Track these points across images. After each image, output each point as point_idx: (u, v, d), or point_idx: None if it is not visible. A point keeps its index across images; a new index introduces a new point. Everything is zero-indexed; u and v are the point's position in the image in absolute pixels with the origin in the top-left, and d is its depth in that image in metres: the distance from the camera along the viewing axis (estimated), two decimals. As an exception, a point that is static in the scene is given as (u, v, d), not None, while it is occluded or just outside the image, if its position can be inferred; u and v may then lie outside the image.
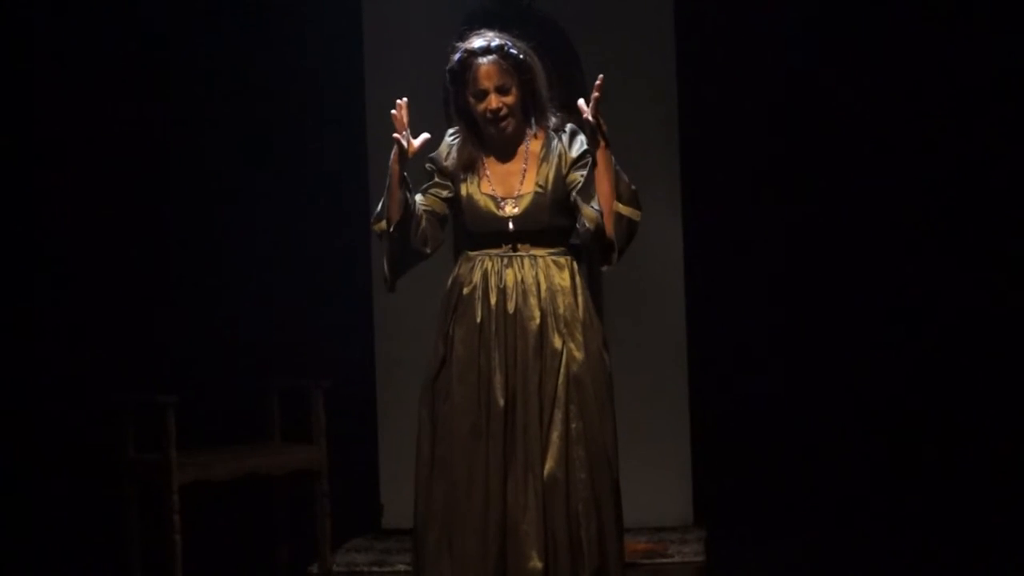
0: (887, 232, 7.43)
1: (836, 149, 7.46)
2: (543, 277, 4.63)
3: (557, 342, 4.60)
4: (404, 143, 4.54)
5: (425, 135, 4.62)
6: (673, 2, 7.44)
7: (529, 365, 4.58)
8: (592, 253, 4.63)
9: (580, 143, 4.64)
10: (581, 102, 4.53)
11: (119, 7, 7.42)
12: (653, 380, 7.39)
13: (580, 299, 4.65)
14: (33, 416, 7.27)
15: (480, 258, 4.67)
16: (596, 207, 4.54)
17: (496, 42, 4.60)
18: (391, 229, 4.60)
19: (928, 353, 7.36)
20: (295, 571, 6.76)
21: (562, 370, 4.58)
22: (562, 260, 4.67)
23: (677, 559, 6.78)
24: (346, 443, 7.16)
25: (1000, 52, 7.28)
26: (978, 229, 7.36)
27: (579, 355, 4.60)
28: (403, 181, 4.58)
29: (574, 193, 4.59)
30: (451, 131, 4.75)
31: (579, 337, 4.61)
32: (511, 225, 4.64)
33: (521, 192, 4.64)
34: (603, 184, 4.55)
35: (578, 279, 4.67)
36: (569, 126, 4.68)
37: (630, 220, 4.59)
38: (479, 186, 4.67)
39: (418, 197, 4.68)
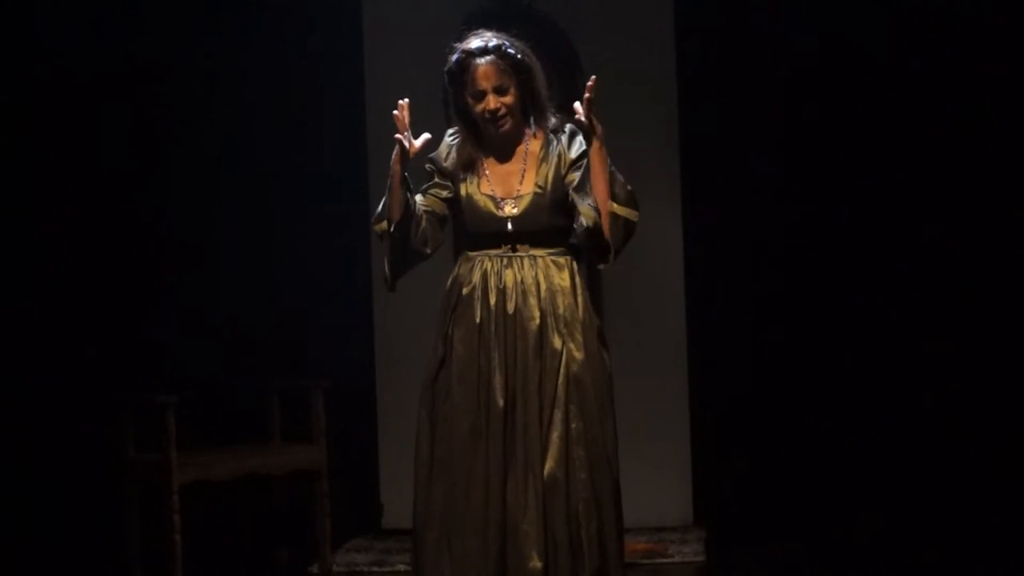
0: (888, 232, 7.43)
1: (836, 149, 7.45)
2: (543, 277, 4.63)
3: (557, 342, 4.59)
4: (405, 144, 4.54)
5: (426, 135, 4.62)
6: (673, 2, 7.44)
7: (529, 365, 4.58)
8: (589, 252, 4.63)
9: (579, 144, 4.64)
10: (577, 104, 4.53)
11: (119, 7, 7.42)
12: (653, 380, 7.39)
13: (580, 299, 4.65)
14: (33, 416, 7.27)
15: (480, 258, 4.67)
16: (593, 205, 4.54)
17: (494, 42, 4.60)
18: (392, 229, 4.60)
19: (928, 353, 7.35)
20: (295, 571, 6.76)
21: (562, 370, 4.58)
22: (562, 260, 4.67)
23: (677, 559, 6.77)
24: (346, 443, 7.17)
25: (1003, 51, 7.27)
26: (979, 229, 7.35)
27: (579, 355, 4.60)
28: (404, 181, 4.58)
29: (571, 191, 4.59)
30: (451, 131, 4.75)
31: (579, 337, 4.61)
32: (510, 225, 4.64)
33: (520, 192, 4.64)
34: (598, 184, 4.55)
35: (578, 279, 4.67)
36: (568, 126, 4.67)
37: (627, 220, 4.59)
38: (478, 186, 4.67)
39: (418, 198, 4.68)
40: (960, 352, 7.34)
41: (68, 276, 7.39)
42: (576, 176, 4.61)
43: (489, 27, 4.69)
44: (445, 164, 4.72)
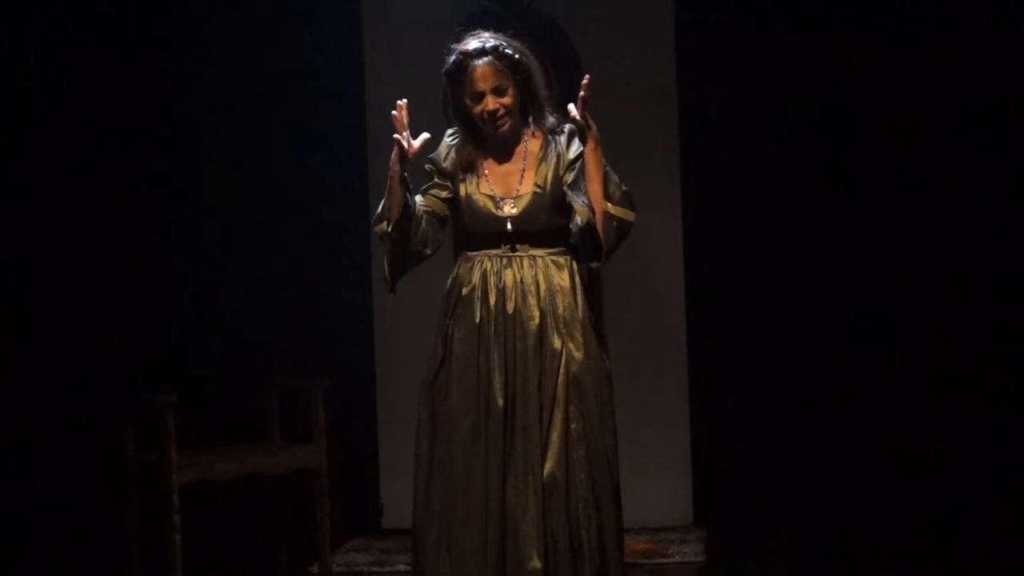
0: (888, 232, 7.43)
1: (836, 149, 7.45)
2: (542, 277, 4.63)
3: (556, 342, 4.59)
4: (404, 144, 4.54)
5: (424, 135, 4.62)
6: (673, 2, 7.44)
7: (528, 365, 4.57)
8: (582, 251, 4.63)
9: (578, 144, 4.64)
10: (571, 104, 4.53)
11: (119, 7, 7.42)
12: (653, 380, 7.40)
13: (579, 299, 4.64)
14: (33, 416, 7.27)
15: (479, 258, 4.67)
16: (587, 203, 4.54)
17: (491, 43, 4.60)
18: (390, 228, 4.60)
19: (929, 352, 7.35)
20: (295, 571, 6.76)
21: (561, 370, 4.58)
22: (561, 260, 4.66)
23: (677, 559, 6.77)
24: (346, 443, 7.17)
25: (1004, 53, 7.27)
26: (979, 230, 7.35)
27: (578, 355, 4.59)
28: (404, 181, 4.57)
29: (567, 189, 4.58)
30: (450, 132, 4.75)
31: (578, 337, 4.61)
32: (509, 225, 4.64)
33: (520, 192, 4.64)
34: (593, 184, 4.55)
35: (577, 279, 4.67)
36: (567, 126, 4.67)
37: (621, 220, 4.58)
38: (478, 186, 4.67)
39: (418, 198, 4.68)
40: (961, 351, 7.34)
41: (68, 276, 7.38)
42: (572, 175, 4.60)
43: (488, 27, 4.68)
44: (444, 165, 4.71)
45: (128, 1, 7.45)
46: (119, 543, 6.37)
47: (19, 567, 6.88)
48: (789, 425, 7.40)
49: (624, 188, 4.61)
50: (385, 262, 4.68)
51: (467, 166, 4.69)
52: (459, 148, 4.70)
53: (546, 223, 4.63)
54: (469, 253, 4.70)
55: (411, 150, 4.56)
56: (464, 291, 4.65)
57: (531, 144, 4.69)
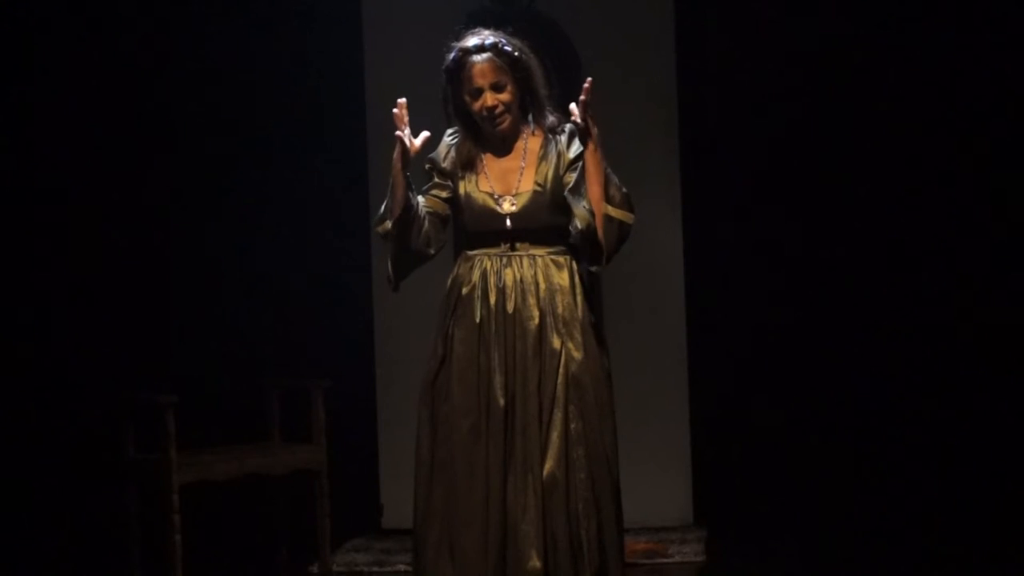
0: (887, 233, 7.43)
1: (837, 149, 7.45)
2: (542, 277, 4.63)
3: (556, 342, 4.59)
4: (406, 141, 4.54)
5: (425, 133, 4.61)
6: (673, 2, 7.44)
7: (528, 365, 4.57)
8: (582, 255, 4.62)
9: (578, 144, 4.63)
10: (573, 106, 4.53)
11: (118, 7, 7.42)
12: (653, 380, 7.40)
13: (579, 299, 4.64)
14: (34, 416, 7.27)
15: (479, 257, 4.66)
16: (588, 207, 4.54)
17: (490, 40, 4.60)
18: (393, 227, 4.60)
19: (929, 352, 7.35)
20: (295, 571, 6.76)
21: (561, 370, 4.58)
22: (561, 259, 4.66)
23: (677, 559, 6.78)
24: (346, 443, 7.17)
25: (1005, 55, 7.27)
26: (979, 232, 7.35)
27: (578, 355, 4.59)
28: (406, 179, 4.58)
29: (567, 193, 4.58)
30: (449, 131, 4.75)
31: (578, 337, 4.61)
32: (509, 223, 4.63)
33: (519, 190, 4.64)
34: (593, 186, 4.55)
35: (577, 278, 4.67)
36: (568, 126, 4.67)
37: (621, 223, 4.58)
38: (477, 184, 4.67)
39: (419, 199, 4.68)
40: (961, 351, 7.34)
41: (69, 276, 7.38)
42: (572, 177, 4.60)
43: (488, 27, 4.68)
44: (444, 164, 4.71)
45: (128, 1, 7.44)
46: (119, 543, 6.37)
47: (19, 567, 6.88)
48: (789, 425, 7.40)
49: (624, 190, 4.61)
50: (389, 262, 4.68)
51: (467, 164, 4.69)
52: (459, 146, 4.71)
53: (546, 221, 4.63)
54: (469, 252, 4.70)
55: (412, 148, 4.56)
56: (464, 291, 4.64)
57: (531, 142, 4.69)
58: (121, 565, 6.37)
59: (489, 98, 4.59)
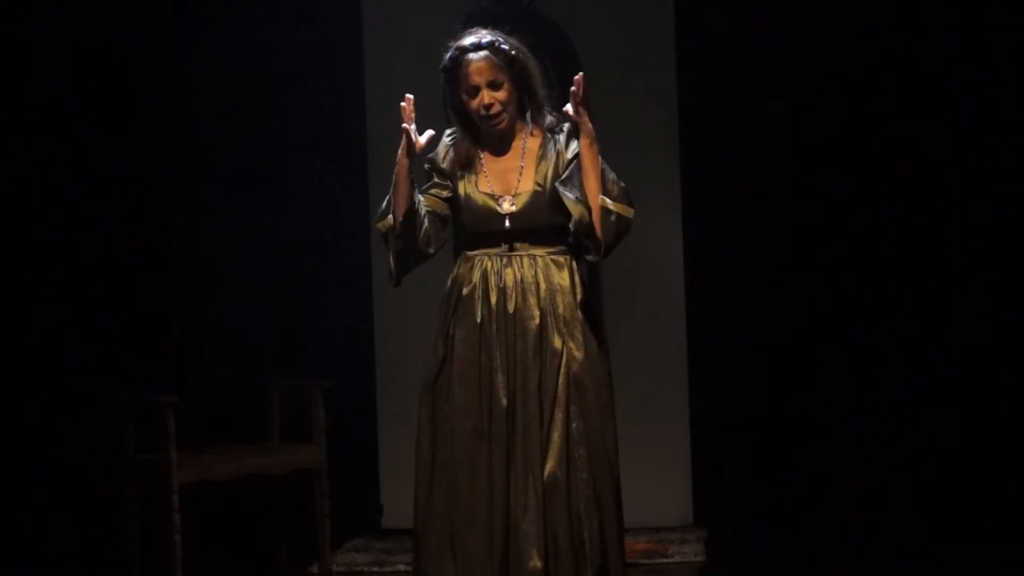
0: (887, 233, 7.43)
1: (836, 149, 7.45)
2: (542, 276, 4.63)
3: (557, 342, 4.59)
4: (412, 135, 4.54)
5: (430, 131, 4.62)
6: (673, 2, 7.44)
7: (529, 365, 4.57)
8: (578, 246, 4.62)
9: (576, 143, 4.63)
10: (568, 106, 4.53)
11: (118, 6, 7.42)
12: (653, 380, 7.39)
13: (580, 298, 4.64)
14: (33, 416, 7.27)
15: (479, 258, 4.66)
16: (580, 198, 4.52)
17: (487, 38, 4.60)
18: (396, 224, 4.59)
19: (928, 352, 7.35)
20: (295, 571, 6.76)
21: (562, 370, 4.58)
22: (561, 259, 4.66)
23: (677, 559, 6.78)
24: (346, 443, 7.17)
25: (1005, 63, 7.27)
26: (979, 231, 7.35)
27: (579, 355, 4.59)
28: (410, 175, 4.57)
29: (557, 185, 4.57)
30: (448, 132, 4.75)
31: (579, 336, 4.61)
32: (508, 223, 4.63)
33: (519, 190, 4.64)
34: (589, 181, 4.54)
35: (577, 278, 4.67)
36: (567, 125, 4.66)
37: (620, 216, 4.55)
38: (477, 185, 4.67)
39: (419, 197, 4.67)
40: (960, 352, 7.34)
41: (68, 275, 7.38)
42: (566, 173, 4.59)
43: (487, 26, 4.68)
44: (443, 164, 4.71)
45: (128, 1, 7.44)
46: (119, 543, 6.37)
47: (19, 567, 6.88)
48: (789, 425, 7.41)
49: (622, 184, 4.60)
50: (390, 257, 4.67)
51: (465, 164, 4.69)
52: (457, 146, 4.70)
53: (545, 221, 4.62)
54: (469, 253, 4.70)
55: (417, 144, 4.56)
56: (464, 291, 4.64)
57: (530, 142, 4.68)
58: (121, 565, 6.37)
59: (486, 96, 4.59)
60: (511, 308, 4.60)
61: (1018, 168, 7.30)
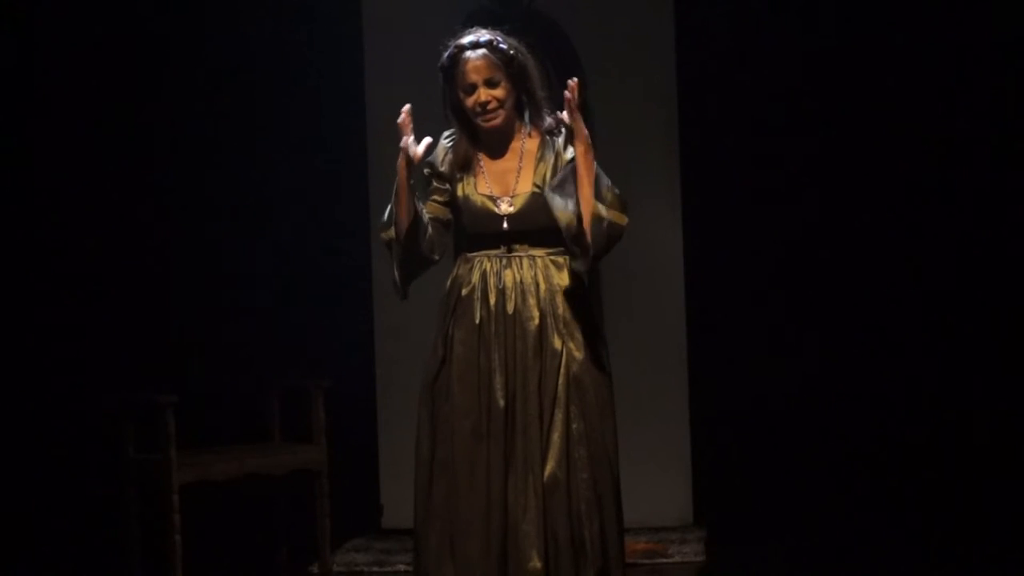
0: (887, 233, 7.43)
1: (836, 149, 7.45)
2: (542, 277, 4.63)
3: (557, 342, 4.59)
4: (410, 151, 4.52)
5: (427, 139, 4.58)
6: (673, 2, 7.44)
7: (529, 365, 4.57)
8: (569, 252, 4.59)
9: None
10: (563, 113, 4.53)
11: (119, 7, 7.42)
12: (653, 380, 7.39)
13: (579, 299, 4.64)
14: (33, 416, 7.27)
15: (479, 259, 4.66)
16: (570, 207, 4.49)
17: (485, 37, 4.60)
18: (399, 237, 4.59)
19: (928, 352, 7.36)
20: (295, 571, 6.76)
21: (562, 370, 4.58)
22: (561, 260, 4.66)
23: (677, 559, 6.78)
24: (346, 443, 7.17)
25: (1006, 63, 7.27)
26: (979, 231, 7.35)
27: (579, 355, 4.59)
28: (410, 187, 4.57)
29: (547, 189, 4.56)
30: (446, 133, 4.74)
31: (579, 337, 4.60)
32: (506, 224, 4.63)
33: (517, 192, 4.63)
34: (583, 187, 4.51)
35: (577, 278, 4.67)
36: (565, 127, 4.66)
37: (612, 223, 4.51)
38: (475, 186, 4.66)
39: (420, 205, 4.67)
40: (961, 352, 7.34)
41: (68, 275, 7.39)
42: (557, 177, 4.57)
43: (487, 27, 4.68)
44: (442, 168, 4.71)
45: (128, 1, 7.44)
46: (119, 543, 6.37)
47: (19, 567, 6.88)
48: (789, 425, 7.40)
49: (617, 191, 4.57)
50: (395, 268, 4.66)
51: (464, 165, 4.68)
52: (455, 147, 4.70)
53: (543, 223, 4.61)
54: (468, 254, 4.69)
55: (416, 157, 4.55)
56: (464, 292, 4.64)
57: (528, 144, 4.68)
58: (121, 565, 6.37)
59: (482, 94, 4.58)
60: (510, 309, 4.60)
61: (1018, 168, 7.30)
